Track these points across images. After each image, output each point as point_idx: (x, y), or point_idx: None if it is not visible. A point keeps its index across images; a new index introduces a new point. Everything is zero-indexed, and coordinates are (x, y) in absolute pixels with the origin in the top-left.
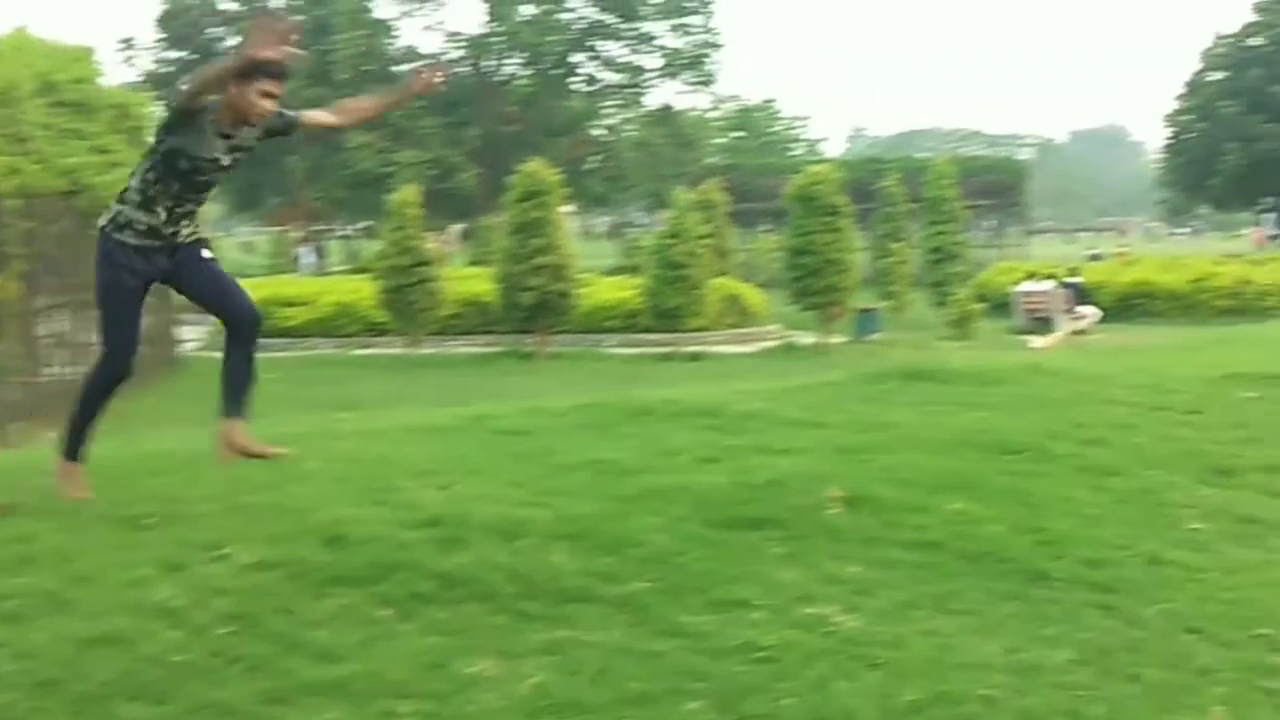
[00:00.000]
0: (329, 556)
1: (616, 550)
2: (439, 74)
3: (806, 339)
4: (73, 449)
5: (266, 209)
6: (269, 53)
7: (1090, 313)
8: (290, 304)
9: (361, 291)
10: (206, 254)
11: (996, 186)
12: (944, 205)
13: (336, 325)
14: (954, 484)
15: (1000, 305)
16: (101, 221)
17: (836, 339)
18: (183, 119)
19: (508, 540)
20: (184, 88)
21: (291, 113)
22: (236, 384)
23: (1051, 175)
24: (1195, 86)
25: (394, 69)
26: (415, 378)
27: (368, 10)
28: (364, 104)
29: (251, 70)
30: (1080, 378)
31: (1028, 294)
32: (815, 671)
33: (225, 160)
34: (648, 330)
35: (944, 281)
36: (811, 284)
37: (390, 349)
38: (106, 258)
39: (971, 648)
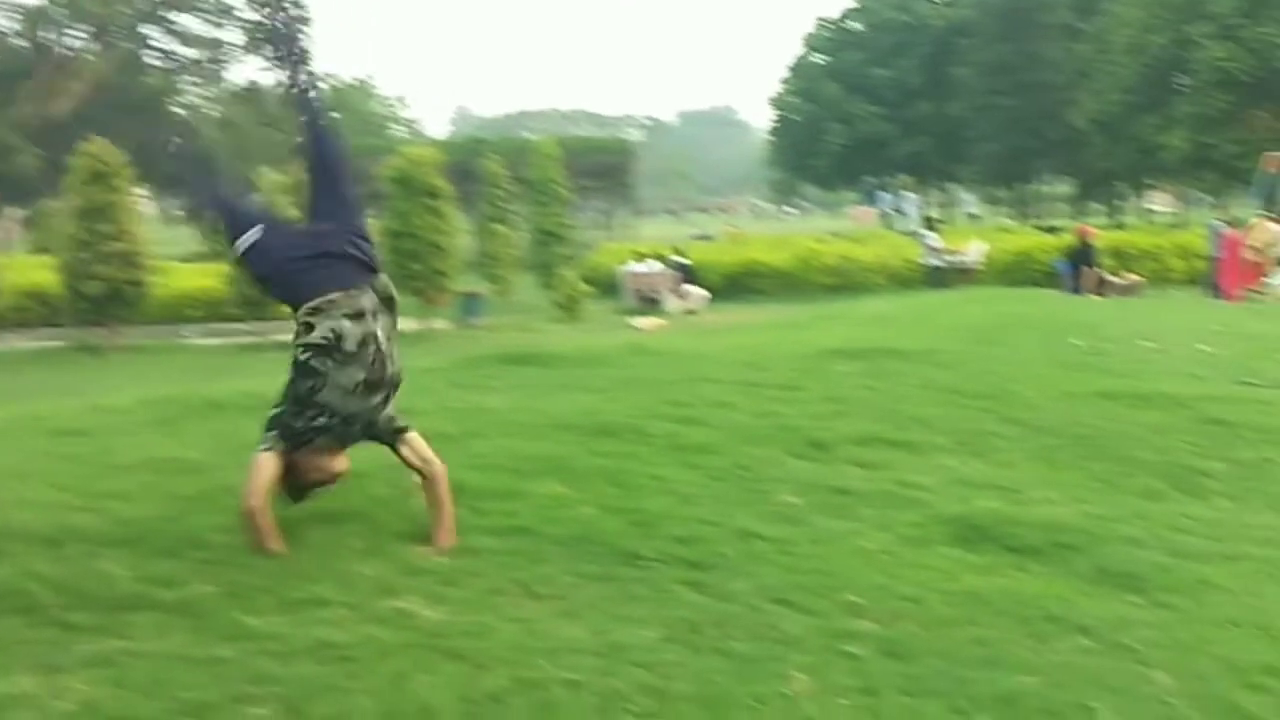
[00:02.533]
0: None
1: (177, 554)
2: None
3: (408, 325)
4: None
5: None
6: None
7: (698, 293)
8: None
9: None
10: None
11: (605, 167)
12: (549, 186)
13: None
14: (547, 468)
15: (609, 286)
16: None
17: (439, 324)
18: None
19: (53, 548)
20: None
21: None
22: None
23: (661, 156)
24: (799, 69)
25: None
26: None
27: None
28: None
29: None
30: (681, 357)
31: (636, 275)
32: (392, 667)
33: None
34: (234, 319)
35: (551, 263)
36: (411, 268)
37: None
38: None
39: (557, 632)
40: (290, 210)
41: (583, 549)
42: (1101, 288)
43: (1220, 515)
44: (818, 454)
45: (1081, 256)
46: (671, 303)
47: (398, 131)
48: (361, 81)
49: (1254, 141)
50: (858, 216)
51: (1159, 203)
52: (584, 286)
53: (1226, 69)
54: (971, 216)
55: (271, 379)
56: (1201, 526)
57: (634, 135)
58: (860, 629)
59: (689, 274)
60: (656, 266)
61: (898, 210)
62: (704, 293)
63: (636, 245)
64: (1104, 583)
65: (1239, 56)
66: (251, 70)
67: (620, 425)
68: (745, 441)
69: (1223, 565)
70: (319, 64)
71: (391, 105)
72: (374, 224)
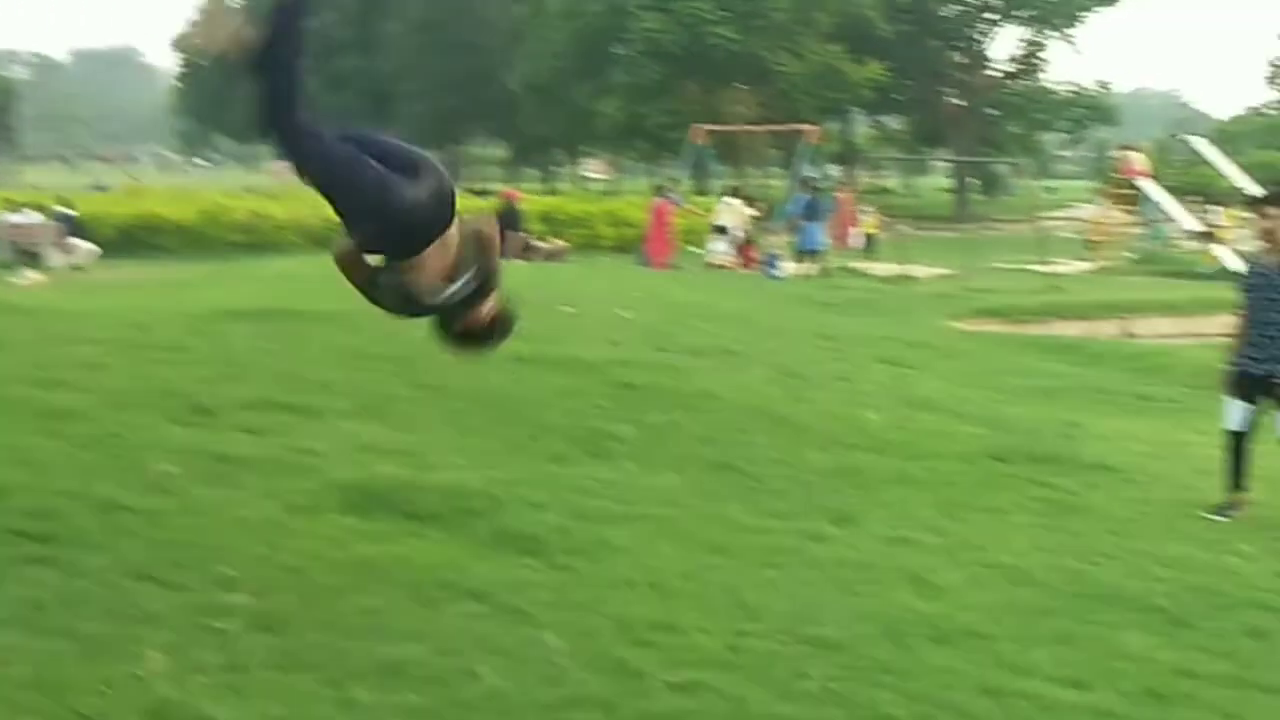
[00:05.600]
0: None
1: None
2: None
3: None
4: None
5: None
6: None
7: (86, 247)
8: None
9: None
10: None
11: None
12: None
13: None
14: None
15: None
16: None
17: None
18: None
19: None
20: None
21: None
22: None
23: (52, 98)
24: None
25: None
26: None
27: None
28: None
29: None
30: (54, 316)
31: (13, 226)
32: None
33: None
34: None
35: None
36: None
37: None
38: None
39: None
40: None
41: None
42: (526, 252)
43: (625, 477)
44: (201, 419)
45: (507, 220)
46: (54, 257)
47: None
48: None
49: (684, 113)
50: (277, 172)
51: (594, 170)
52: None
53: (659, 40)
54: None
55: None
56: (606, 489)
57: (19, 74)
58: (232, 603)
59: (76, 226)
60: (37, 217)
61: None
62: (93, 247)
63: (15, 194)
64: (503, 547)
65: (671, 29)
66: None
67: None
68: (119, 407)
69: (623, 526)
70: None
71: None
72: None
